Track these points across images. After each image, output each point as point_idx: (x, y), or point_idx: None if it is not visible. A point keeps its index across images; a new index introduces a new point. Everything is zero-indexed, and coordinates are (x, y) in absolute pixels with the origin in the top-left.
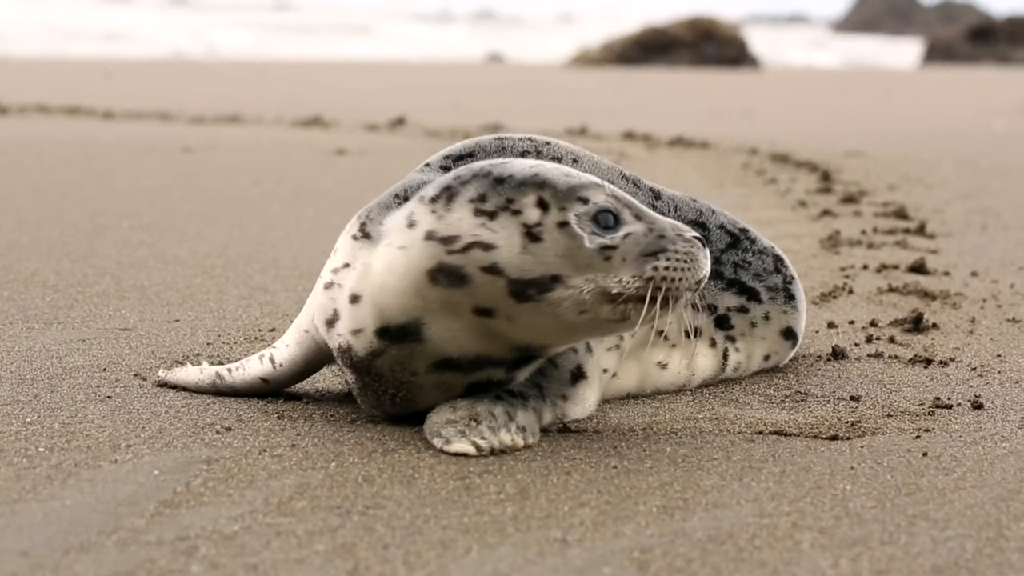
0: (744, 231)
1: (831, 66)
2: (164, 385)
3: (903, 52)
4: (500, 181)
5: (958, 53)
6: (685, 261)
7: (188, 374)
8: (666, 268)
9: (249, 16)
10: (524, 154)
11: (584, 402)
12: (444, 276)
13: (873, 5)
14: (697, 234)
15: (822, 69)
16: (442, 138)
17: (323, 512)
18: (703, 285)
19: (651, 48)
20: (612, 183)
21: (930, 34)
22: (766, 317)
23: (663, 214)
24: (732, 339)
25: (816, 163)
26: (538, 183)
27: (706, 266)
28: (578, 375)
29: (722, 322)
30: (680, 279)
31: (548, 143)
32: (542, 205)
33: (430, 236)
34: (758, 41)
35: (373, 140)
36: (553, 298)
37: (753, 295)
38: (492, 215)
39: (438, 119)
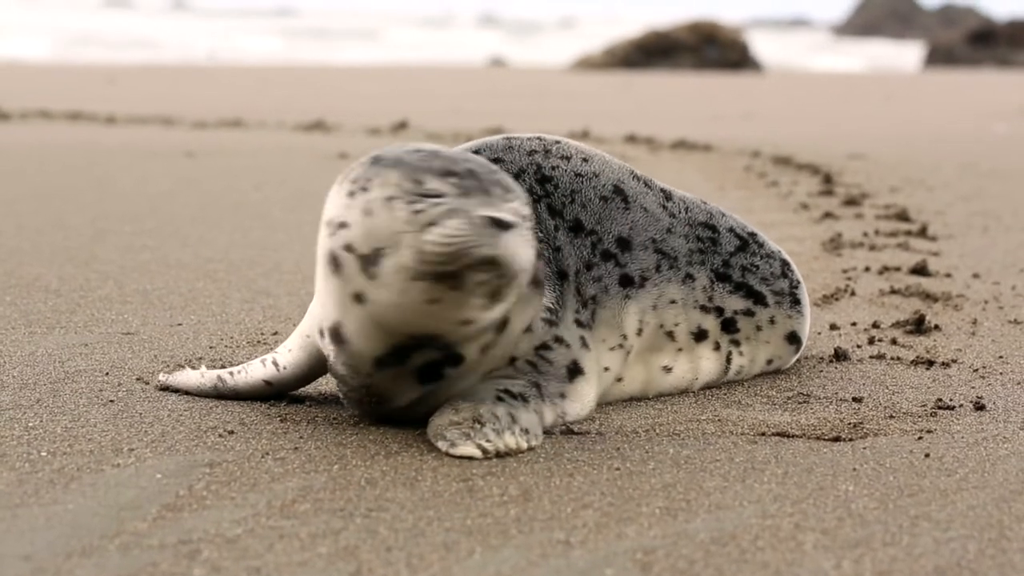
0: (752, 235)
1: (832, 70)
2: (166, 389)
3: (904, 55)
4: (375, 162)
5: (959, 56)
6: (454, 236)
7: (189, 378)
8: (434, 242)
9: (253, 22)
10: (532, 153)
11: (583, 398)
12: (333, 263)
13: (874, 9)
14: (495, 216)
15: (823, 73)
16: (444, 141)
17: (326, 515)
18: (504, 270)
19: (653, 52)
20: (623, 183)
21: (931, 37)
22: (771, 321)
23: (674, 215)
24: (736, 343)
25: (818, 166)
26: (394, 165)
27: (490, 247)
28: (575, 371)
29: (728, 325)
30: (449, 253)
31: (558, 142)
32: (385, 184)
33: (325, 221)
34: (760, 45)
35: (376, 144)
36: (383, 271)
37: (760, 299)
38: (353, 195)
39: (440, 123)
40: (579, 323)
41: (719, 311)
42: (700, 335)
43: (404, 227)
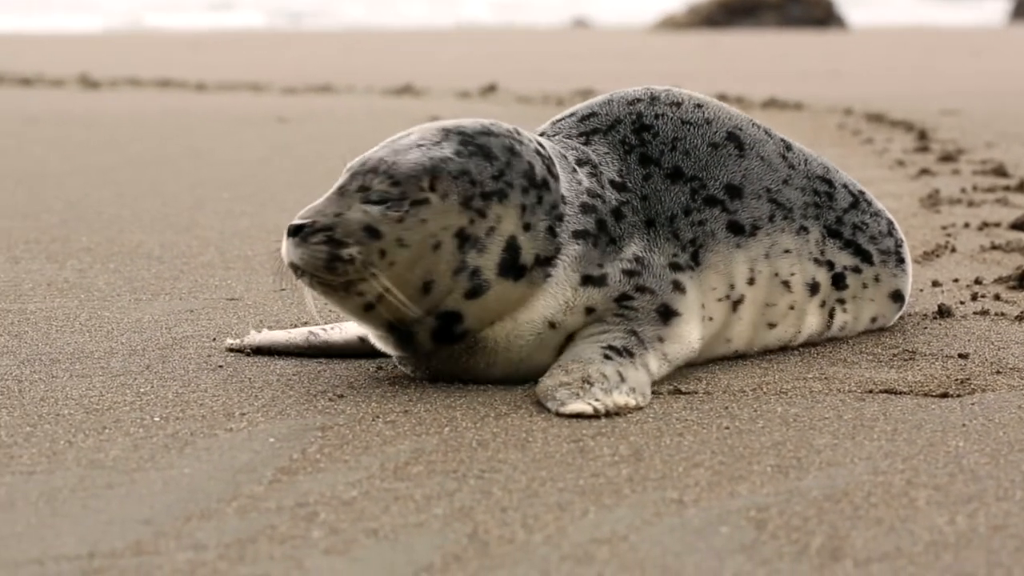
0: (862, 193)
1: (917, 24)
2: (257, 351)
3: (990, 9)
4: None
5: None
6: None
7: (275, 336)
8: None
9: None
10: (634, 102)
11: (682, 339)
12: None
13: None
14: (294, 224)
15: (908, 27)
16: (534, 104)
17: (439, 476)
18: (305, 271)
19: (736, 10)
20: (740, 131)
21: None
22: (876, 279)
23: (793, 166)
24: (842, 300)
25: (912, 122)
26: None
27: (287, 254)
28: (668, 313)
29: (838, 280)
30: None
31: (668, 90)
32: None
33: None
34: (843, 0)
35: (466, 108)
36: None
37: (867, 257)
38: None
39: (529, 85)
40: (676, 267)
41: (830, 265)
42: (814, 287)
43: None
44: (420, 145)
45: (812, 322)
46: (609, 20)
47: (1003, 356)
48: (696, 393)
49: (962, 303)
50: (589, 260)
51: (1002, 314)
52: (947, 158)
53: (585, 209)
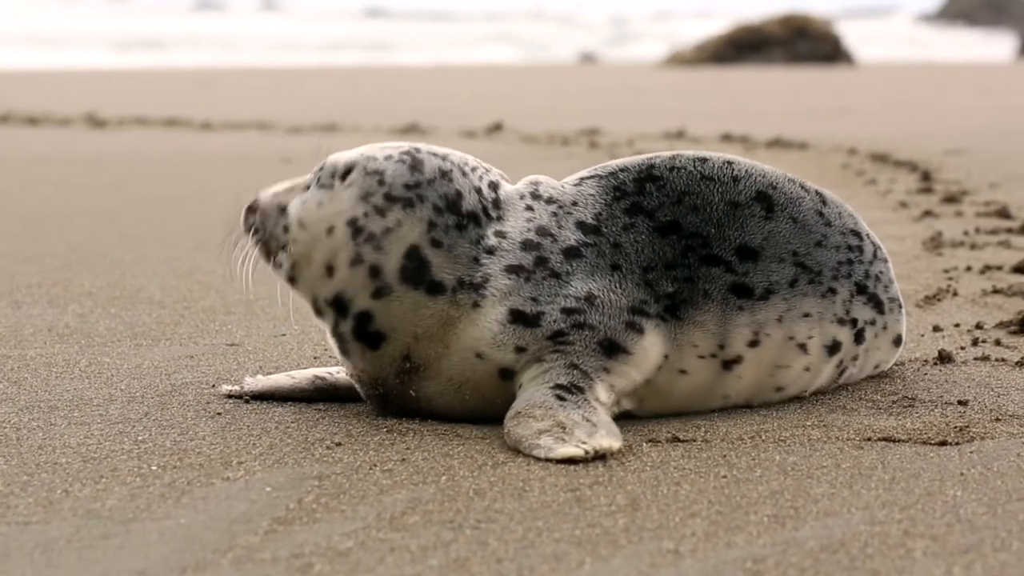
0: (869, 235)
1: (925, 61)
2: (257, 397)
3: (999, 46)
4: None
5: None
6: None
7: (278, 380)
8: None
9: (342, 23)
10: (655, 157)
11: (628, 376)
12: None
13: None
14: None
15: (916, 64)
16: (540, 144)
17: (436, 527)
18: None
19: (744, 47)
20: (773, 190)
21: (1022, 27)
22: (885, 328)
23: (829, 223)
24: (856, 357)
25: (916, 162)
26: None
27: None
28: (613, 348)
29: (859, 336)
30: None
31: (699, 152)
32: None
33: None
34: (851, 36)
35: (472, 147)
36: None
37: (880, 307)
38: None
39: (535, 124)
40: (640, 311)
41: (854, 323)
42: (833, 348)
43: None
44: (378, 147)
45: (824, 378)
46: (617, 55)
47: (1003, 403)
48: (695, 441)
49: (963, 348)
50: (520, 295)
51: (1003, 360)
52: (950, 199)
53: (526, 246)
